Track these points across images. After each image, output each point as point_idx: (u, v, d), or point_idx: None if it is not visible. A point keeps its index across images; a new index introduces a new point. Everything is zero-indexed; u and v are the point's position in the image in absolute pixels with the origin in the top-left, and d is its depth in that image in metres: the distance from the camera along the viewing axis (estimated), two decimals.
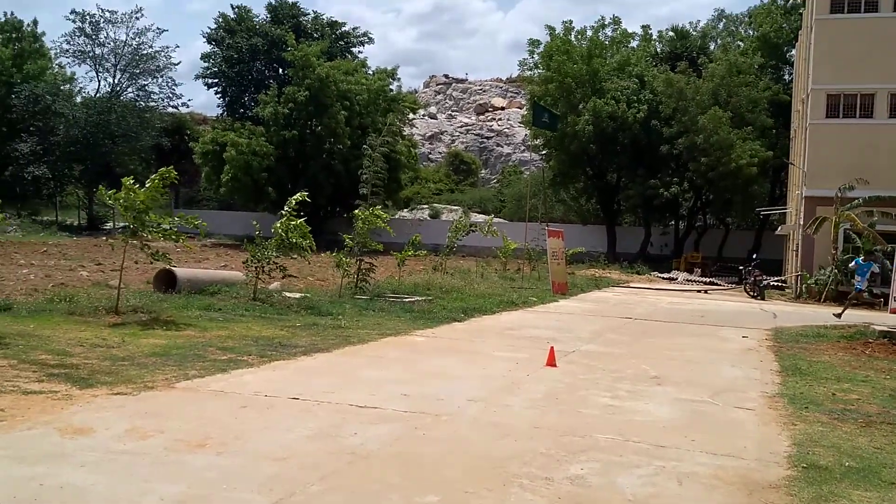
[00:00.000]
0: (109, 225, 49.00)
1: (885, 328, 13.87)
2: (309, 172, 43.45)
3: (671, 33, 45.24)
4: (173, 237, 12.02)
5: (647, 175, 38.62)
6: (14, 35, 50.99)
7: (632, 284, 29.48)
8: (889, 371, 10.62)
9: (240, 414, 6.52)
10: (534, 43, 42.79)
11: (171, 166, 12.43)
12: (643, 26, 52.98)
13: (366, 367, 9.17)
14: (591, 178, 42.71)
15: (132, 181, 11.91)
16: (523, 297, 19.49)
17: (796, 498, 5.06)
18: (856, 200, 25.19)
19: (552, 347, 10.02)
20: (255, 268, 14.76)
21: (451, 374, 8.99)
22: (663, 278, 33.69)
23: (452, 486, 4.95)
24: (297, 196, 15.18)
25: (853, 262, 20.41)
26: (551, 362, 9.64)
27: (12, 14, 52.47)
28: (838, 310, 19.06)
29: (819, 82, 28.30)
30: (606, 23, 43.17)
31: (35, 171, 47.40)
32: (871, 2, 28.11)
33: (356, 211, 17.82)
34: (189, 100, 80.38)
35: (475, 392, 7.92)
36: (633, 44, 43.96)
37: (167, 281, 14.54)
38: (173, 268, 14.13)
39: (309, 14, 52.64)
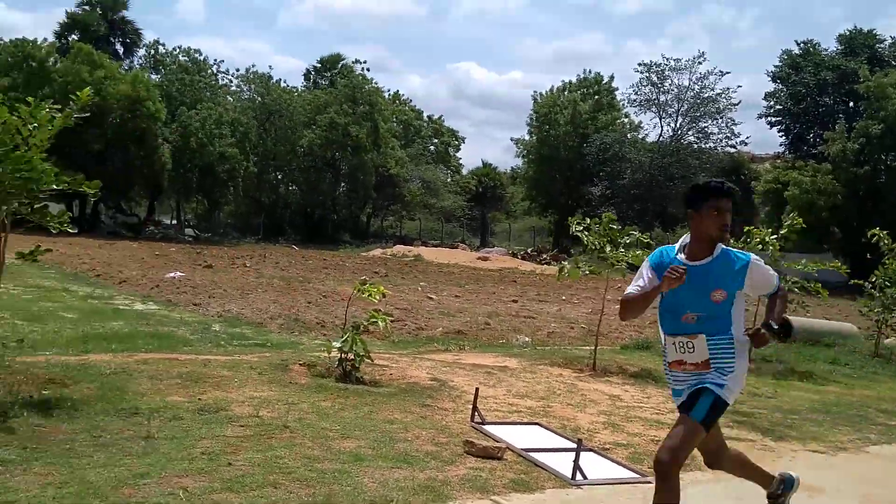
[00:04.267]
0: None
1: None
2: (882, 210, 39.39)
3: None
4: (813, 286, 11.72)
5: None
6: (593, 90, 57.39)
7: None
8: None
9: None
10: None
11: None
12: None
13: None
14: None
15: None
16: None
17: None
18: None
19: None
20: (877, 320, 13.72)
21: None
22: None
23: None
24: None
25: None
26: None
27: (591, 72, 58.96)
28: None
29: None
30: None
31: (603, 211, 52.51)
32: None
33: None
34: (747, 137, 78.25)
35: None
36: None
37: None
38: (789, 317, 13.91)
39: (886, 40, 48.10)
